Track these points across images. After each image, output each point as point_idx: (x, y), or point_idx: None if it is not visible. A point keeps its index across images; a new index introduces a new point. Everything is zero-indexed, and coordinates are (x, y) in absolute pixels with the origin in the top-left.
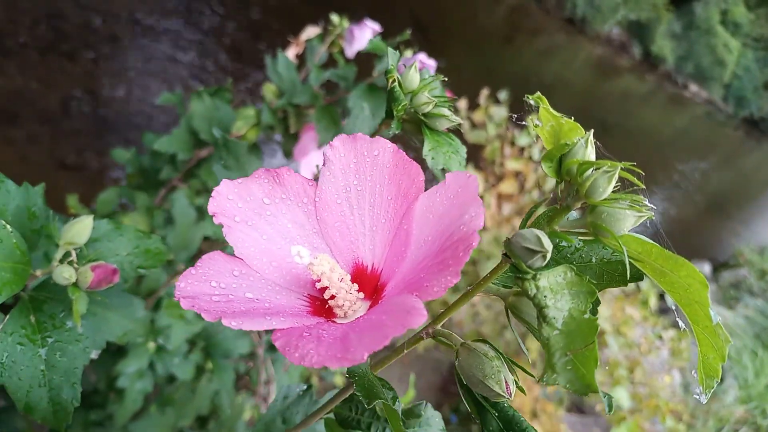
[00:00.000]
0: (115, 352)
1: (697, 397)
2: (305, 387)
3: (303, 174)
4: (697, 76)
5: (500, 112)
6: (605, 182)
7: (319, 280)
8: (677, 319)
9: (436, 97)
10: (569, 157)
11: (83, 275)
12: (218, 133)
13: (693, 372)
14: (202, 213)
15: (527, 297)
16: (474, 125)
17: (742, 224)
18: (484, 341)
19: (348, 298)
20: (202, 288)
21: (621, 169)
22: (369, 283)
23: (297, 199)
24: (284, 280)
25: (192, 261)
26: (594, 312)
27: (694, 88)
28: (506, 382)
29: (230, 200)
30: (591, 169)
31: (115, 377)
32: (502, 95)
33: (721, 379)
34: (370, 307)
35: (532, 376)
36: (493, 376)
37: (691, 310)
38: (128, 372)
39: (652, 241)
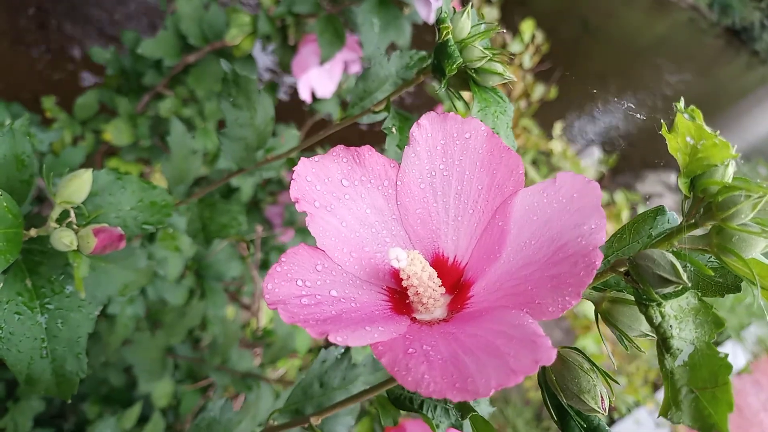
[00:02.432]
0: None
1: None
2: (342, 350)
3: (301, 91)
4: None
5: (491, 14)
6: (749, 209)
7: (405, 276)
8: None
9: (487, 49)
10: (708, 176)
11: (85, 240)
12: (227, 67)
13: None
14: (190, 127)
15: (650, 324)
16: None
17: None
18: (577, 350)
19: (433, 296)
20: (290, 289)
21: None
22: (449, 275)
23: (377, 181)
24: (363, 272)
25: (189, 193)
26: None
27: None
28: (601, 396)
29: (309, 182)
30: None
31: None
32: None
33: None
34: (452, 302)
35: (617, 383)
36: (589, 392)
37: None
38: (119, 299)
39: None
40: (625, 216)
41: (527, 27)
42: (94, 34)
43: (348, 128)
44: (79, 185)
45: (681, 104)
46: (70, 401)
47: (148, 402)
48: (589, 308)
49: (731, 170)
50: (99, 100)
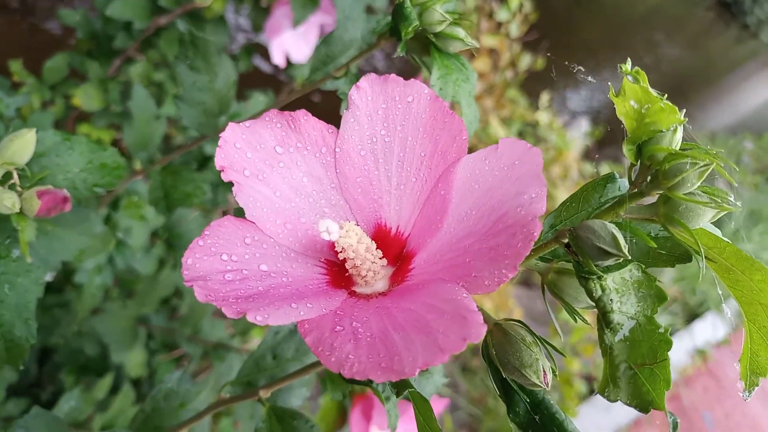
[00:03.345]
0: None
1: (741, 393)
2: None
3: (274, 54)
4: None
5: None
6: (695, 178)
7: (340, 249)
8: (724, 306)
9: (449, 13)
10: (655, 143)
11: (28, 202)
12: (184, 27)
13: (735, 364)
14: (161, 92)
15: (589, 297)
16: None
17: (698, 108)
18: (520, 323)
19: (372, 268)
20: (213, 264)
21: (715, 164)
22: (392, 246)
23: (314, 148)
24: (299, 245)
25: (151, 162)
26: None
27: None
28: (544, 370)
29: (238, 149)
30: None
31: (72, 271)
32: None
33: None
34: (394, 274)
35: (564, 355)
36: (531, 366)
37: (752, 309)
38: (86, 268)
39: (725, 239)
40: None
41: None
42: None
43: (329, 94)
44: (21, 145)
45: (627, 66)
46: (45, 368)
47: (123, 372)
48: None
49: (679, 136)
50: (69, 64)
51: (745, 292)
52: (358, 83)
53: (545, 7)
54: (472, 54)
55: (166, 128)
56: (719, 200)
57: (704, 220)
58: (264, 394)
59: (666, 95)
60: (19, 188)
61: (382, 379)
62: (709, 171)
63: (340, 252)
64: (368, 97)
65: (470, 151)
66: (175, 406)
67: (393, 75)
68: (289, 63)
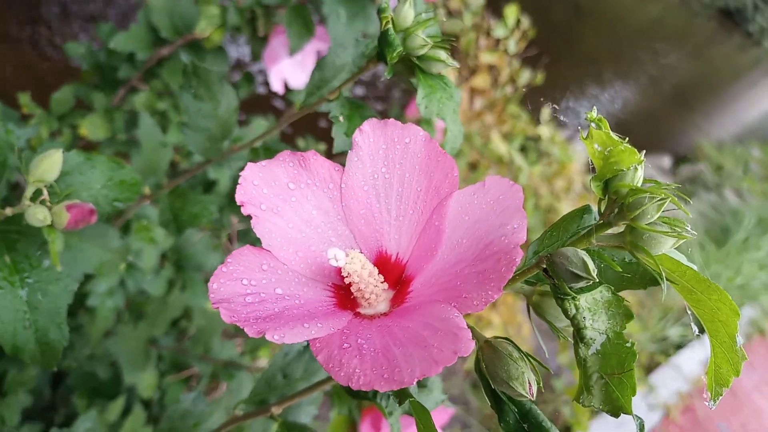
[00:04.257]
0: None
1: (707, 403)
2: (305, 344)
3: (272, 82)
4: None
5: None
6: (654, 210)
7: (346, 274)
8: (691, 323)
9: (431, 37)
10: (619, 180)
11: (58, 216)
12: (187, 59)
13: (702, 376)
14: (165, 120)
15: (565, 316)
16: (450, 13)
17: (704, 117)
18: (508, 340)
19: (375, 292)
20: (235, 288)
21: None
22: (392, 271)
23: (323, 184)
24: (309, 270)
25: (159, 186)
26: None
27: None
28: (529, 383)
29: (256, 186)
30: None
31: (85, 295)
32: None
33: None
34: (394, 297)
35: (548, 370)
36: (517, 378)
37: (713, 327)
38: (98, 291)
39: (687, 263)
40: None
41: (511, 12)
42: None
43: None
44: (50, 165)
45: (593, 113)
46: (58, 392)
47: (135, 394)
48: None
49: (641, 173)
50: (75, 94)
51: (706, 311)
52: (361, 127)
53: (544, 22)
54: (472, 70)
55: (172, 155)
56: (678, 229)
57: (666, 246)
58: (276, 410)
59: (627, 139)
60: (48, 204)
61: (385, 389)
62: (665, 204)
63: (346, 277)
64: (370, 139)
65: (474, 169)
66: (190, 425)
67: (392, 120)
68: (287, 89)
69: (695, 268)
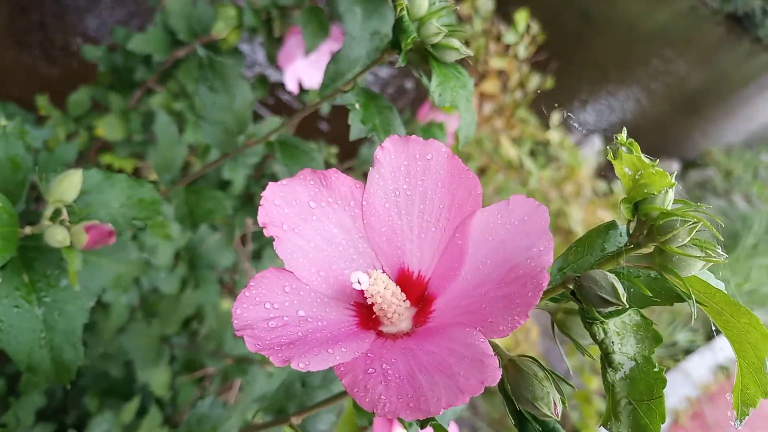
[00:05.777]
0: None
1: (732, 422)
2: None
3: (288, 82)
4: None
5: (487, 4)
6: (685, 234)
7: (369, 295)
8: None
9: (445, 26)
10: (649, 202)
11: (77, 237)
12: (203, 53)
13: (727, 395)
14: (181, 120)
15: (593, 340)
16: (460, 19)
17: (712, 123)
18: (532, 359)
19: (397, 311)
20: (258, 312)
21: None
22: (414, 289)
23: (344, 202)
24: (331, 290)
25: (174, 183)
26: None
27: None
28: (554, 402)
29: (277, 206)
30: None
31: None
32: None
33: None
34: (417, 314)
35: (573, 387)
36: (542, 399)
37: (742, 348)
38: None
39: (715, 283)
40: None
41: (521, 17)
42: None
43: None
44: (69, 185)
45: (623, 136)
46: (70, 392)
47: (147, 395)
48: None
49: (671, 196)
50: (91, 96)
51: (734, 332)
52: (382, 143)
53: (553, 28)
54: (482, 75)
55: (186, 155)
56: (709, 252)
57: (696, 269)
58: (296, 420)
59: (658, 161)
60: (67, 223)
61: (411, 418)
62: (697, 228)
63: (369, 298)
64: (391, 156)
65: (480, 173)
66: (207, 430)
67: (414, 136)
68: (301, 89)
69: (723, 287)
